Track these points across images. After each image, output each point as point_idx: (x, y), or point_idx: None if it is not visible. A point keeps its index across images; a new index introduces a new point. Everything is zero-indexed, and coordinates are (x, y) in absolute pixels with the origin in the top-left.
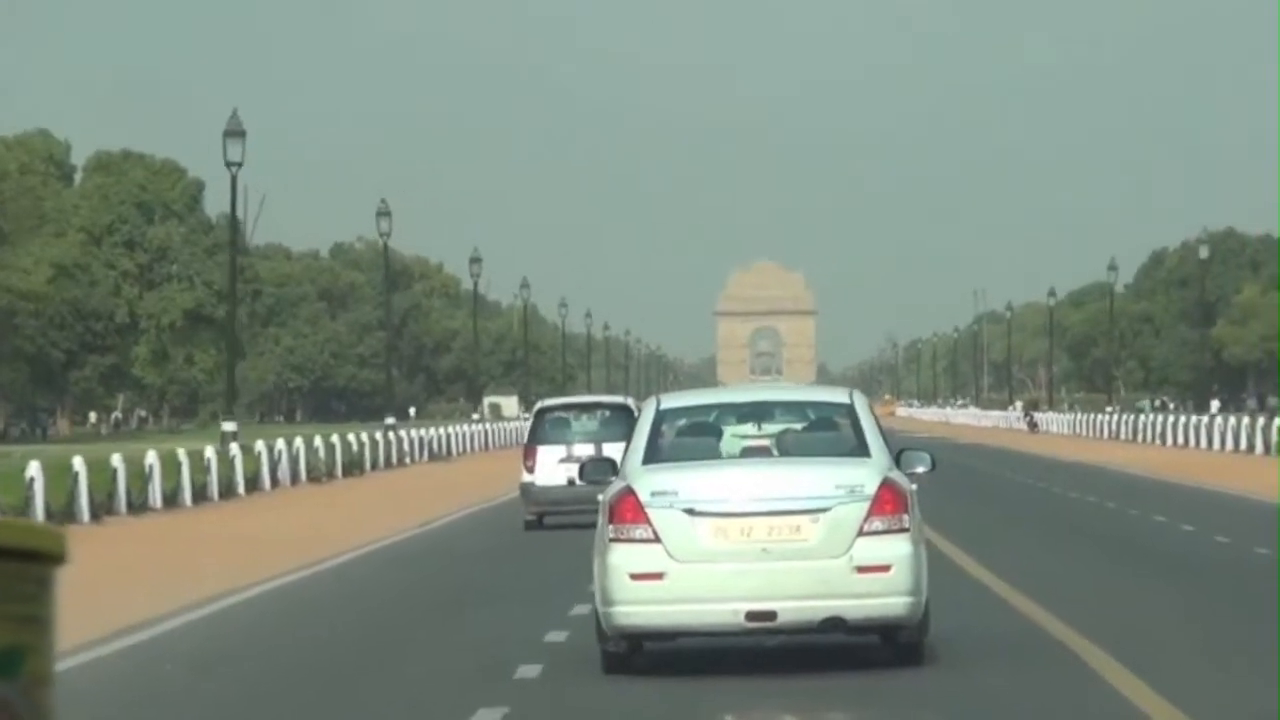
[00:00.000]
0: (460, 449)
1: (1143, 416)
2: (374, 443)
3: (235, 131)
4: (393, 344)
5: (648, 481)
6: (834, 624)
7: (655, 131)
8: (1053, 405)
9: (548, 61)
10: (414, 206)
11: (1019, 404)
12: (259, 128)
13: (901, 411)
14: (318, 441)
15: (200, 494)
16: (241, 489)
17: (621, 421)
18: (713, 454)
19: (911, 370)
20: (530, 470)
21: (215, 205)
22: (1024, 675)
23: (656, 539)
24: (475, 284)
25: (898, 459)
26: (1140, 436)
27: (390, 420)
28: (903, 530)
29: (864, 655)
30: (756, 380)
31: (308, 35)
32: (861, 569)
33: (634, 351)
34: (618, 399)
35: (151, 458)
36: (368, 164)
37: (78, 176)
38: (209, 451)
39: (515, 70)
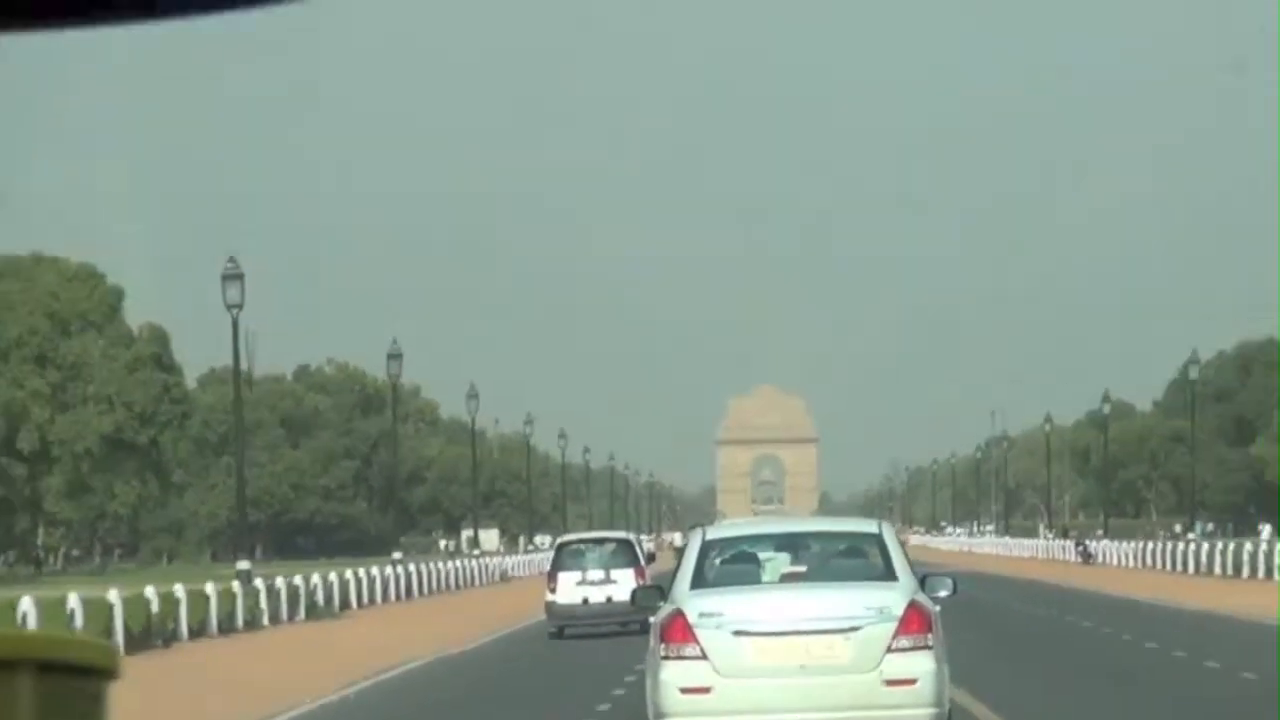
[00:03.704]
0: (368, 599)
1: (1234, 546)
2: (177, 600)
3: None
4: (361, 474)
5: (696, 604)
6: None
7: (647, 256)
8: (1107, 532)
9: (535, 185)
10: (393, 330)
11: (1050, 532)
12: (217, 244)
13: (915, 540)
14: (26, 604)
15: None
16: None
17: (625, 552)
18: (754, 579)
19: (916, 497)
20: (553, 591)
21: (137, 314)
22: None
23: (704, 656)
24: (394, 386)
25: (922, 583)
26: (1240, 571)
27: (244, 565)
28: (927, 648)
29: None
30: (760, 510)
31: (261, 139)
32: (890, 682)
33: (631, 482)
34: (621, 534)
35: None
36: (342, 285)
37: None
38: None
39: (502, 192)
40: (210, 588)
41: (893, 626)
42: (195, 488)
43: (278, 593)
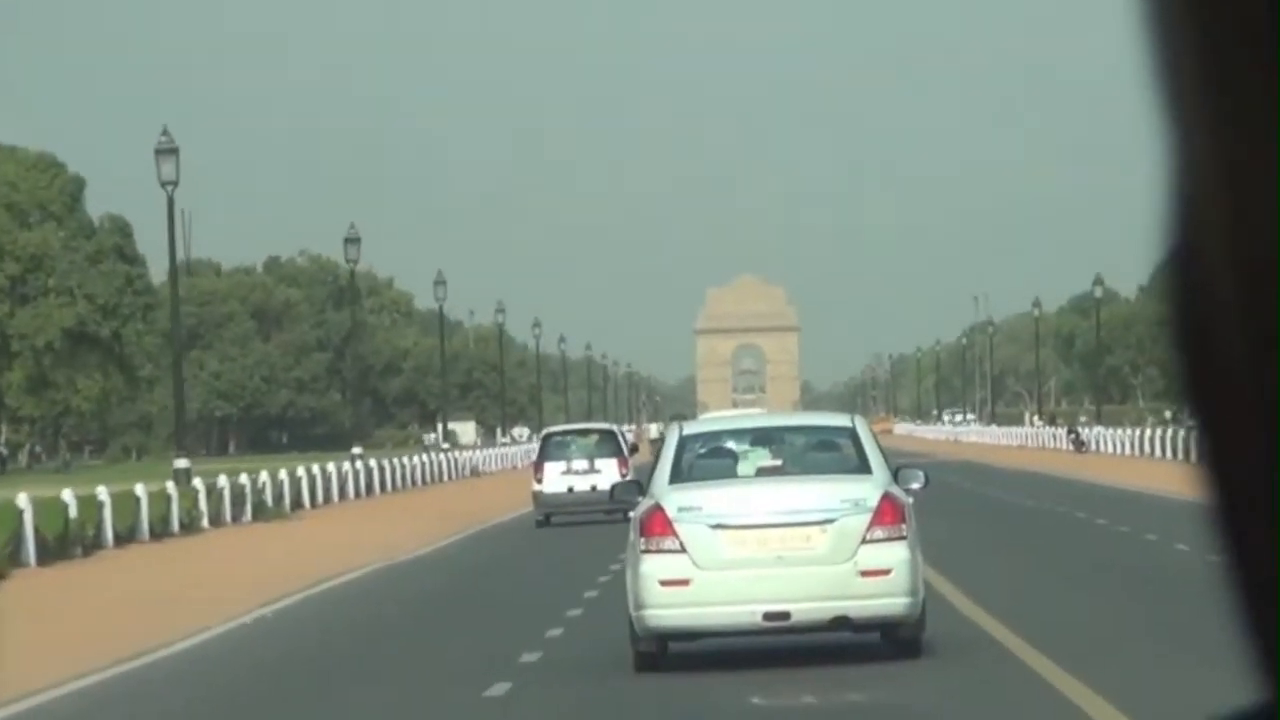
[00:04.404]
0: (323, 497)
1: None
2: (100, 504)
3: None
4: (334, 367)
5: (675, 499)
6: (841, 622)
7: (628, 145)
8: (1099, 419)
9: (516, 69)
10: (368, 220)
11: (1039, 419)
12: (164, 123)
13: (900, 429)
14: None
15: None
16: None
17: (608, 443)
18: (730, 474)
19: (900, 385)
20: (540, 481)
21: (98, 205)
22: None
23: (683, 549)
24: (352, 272)
25: (895, 475)
26: None
27: (182, 463)
28: (901, 538)
29: (870, 652)
30: (740, 400)
31: (228, 33)
32: (865, 573)
33: (610, 373)
34: (605, 425)
35: None
36: (319, 176)
37: None
38: None
39: (482, 79)
40: (140, 489)
41: (867, 518)
42: (165, 382)
43: (220, 493)
